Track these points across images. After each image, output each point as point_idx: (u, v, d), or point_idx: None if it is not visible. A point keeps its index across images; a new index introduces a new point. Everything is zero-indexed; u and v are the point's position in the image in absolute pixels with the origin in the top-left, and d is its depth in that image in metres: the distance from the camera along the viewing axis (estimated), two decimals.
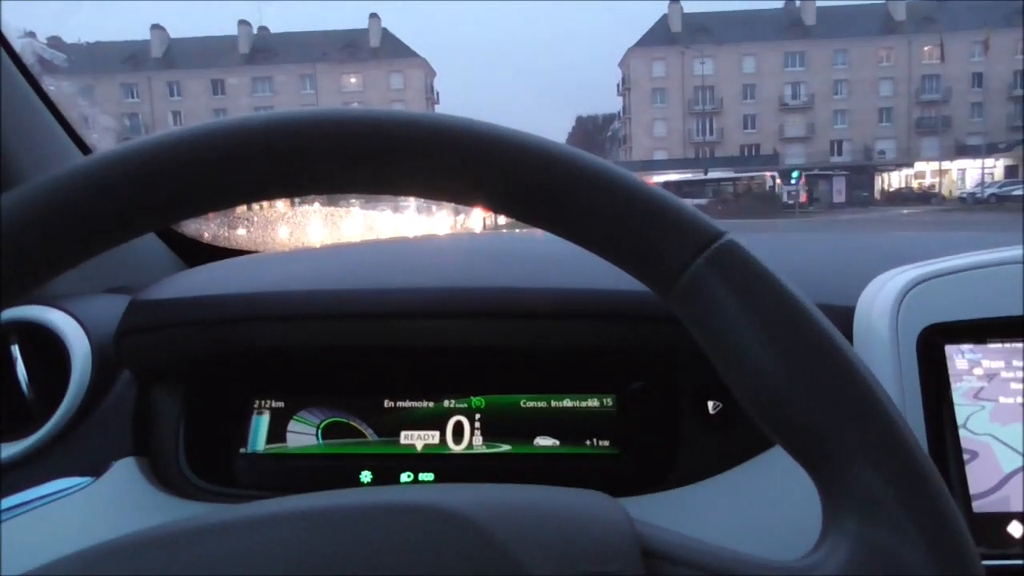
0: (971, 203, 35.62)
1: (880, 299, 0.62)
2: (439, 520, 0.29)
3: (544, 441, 0.70)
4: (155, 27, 59.62)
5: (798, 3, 58.24)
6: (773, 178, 38.46)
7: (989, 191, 37.08)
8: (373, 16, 60.72)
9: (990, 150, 48.51)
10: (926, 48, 54.58)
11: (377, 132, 0.32)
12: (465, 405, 0.71)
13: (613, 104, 67.36)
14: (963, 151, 51.81)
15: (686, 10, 58.86)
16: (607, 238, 0.34)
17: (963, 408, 0.58)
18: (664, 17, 58.89)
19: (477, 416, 0.71)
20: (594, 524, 0.30)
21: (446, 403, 0.71)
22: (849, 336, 0.62)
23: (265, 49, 59.26)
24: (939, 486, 0.31)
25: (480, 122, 0.34)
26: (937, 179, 51.09)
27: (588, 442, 0.70)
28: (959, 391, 0.59)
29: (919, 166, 52.38)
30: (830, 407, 0.32)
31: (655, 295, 0.35)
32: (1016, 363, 0.60)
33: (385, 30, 60.71)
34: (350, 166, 0.33)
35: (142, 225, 0.32)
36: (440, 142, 0.33)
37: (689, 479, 0.64)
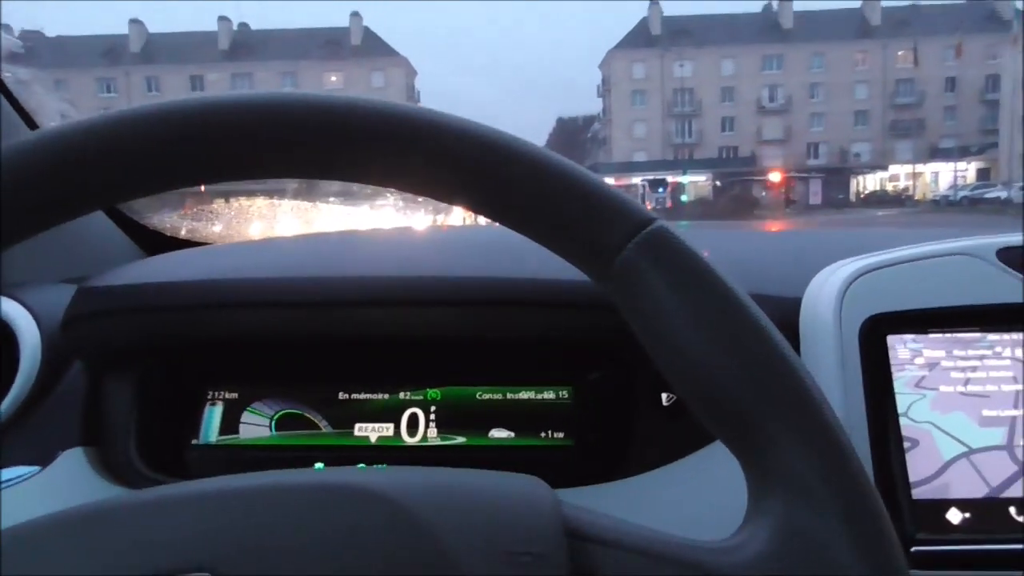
0: (944, 205, 36.18)
1: (825, 290, 0.63)
2: (359, 499, 0.29)
3: (499, 433, 0.70)
4: (134, 21, 59.01)
5: (775, 7, 58.81)
6: (643, 185, 42.38)
7: (961, 194, 37.66)
8: (355, 15, 60.49)
9: (963, 153, 49.31)
10: (900, 52, 55.29)
11: (320, 116, 0.32)
12: (421, 397, 0.71)
13: (594, 105, 67.68)
14: (936, 154, 52.59)
15: (665, 12, 59.24)
16: (542, 224, 0.35)
17: (904, 397, 0.59)
18: (644, 19, 59.20)
19: (432, 408, 0.71)
20: (519, 505, 0.30)
21: (401, 395, 0.72)
22: (796, 327, 0.63)
23: (245, 46, 58.85)
24: (859, 468, 0.32)
25: (423, 108, 0.34)
26: (911, 182, 51.83)
27: (543, 434, 0.70)
28: (901, 380, 0.60)
29: (894, 169, 53.10)
30: (754, 390, 0.32)
31: (592, 281, 0.35)
32: (956, 352, 0.61)
33: (367, 28, 60.52)
34: (289, 150, 0.33)
35: (83, 204, 0.32)
36: (383, 128, 0.33)
37: (643, 469, 0.64)
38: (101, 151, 0.31)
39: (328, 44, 58.91)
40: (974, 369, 0.60)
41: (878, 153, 54.81)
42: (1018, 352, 0.61)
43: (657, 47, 57.16)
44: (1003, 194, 33.48)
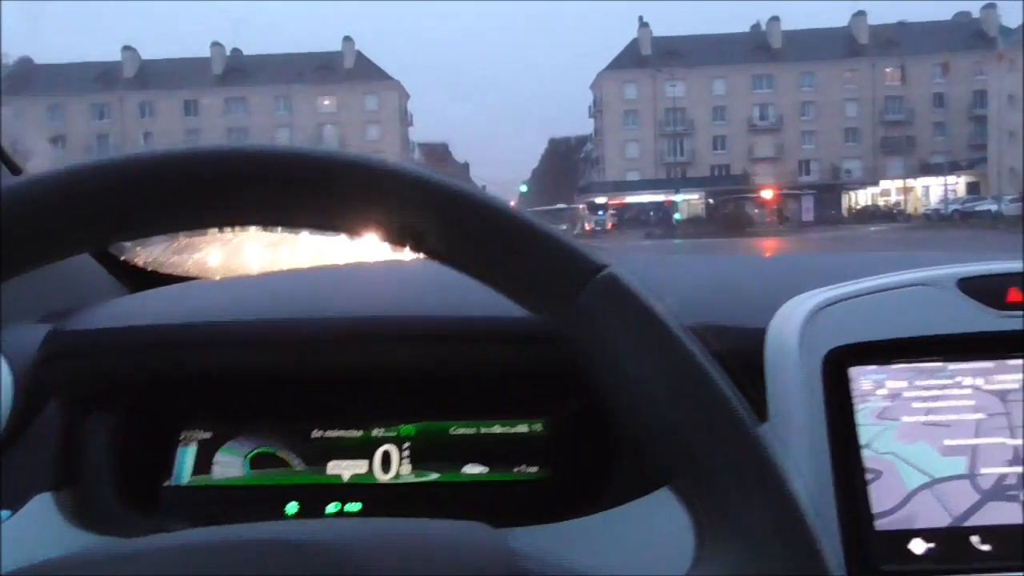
0: (936, 219, 36.44)
1: (789, 322, 0.63)
2: (308, 555, 0.30)
3: (473, 469, 0.70)
4: (126, 48, 59.36)
5: (763, 27, 59.46)
6: (586, 209, 45.67)
7: (952, 208, 38.00)
8: (347, 39, 60.97)
9: (952, 168, 49.66)
10: (889, 70, 55.88)
11: (292, 167, 0.34)
12: (394, 433, 0.71)
13: (586, 126, 68.10)
14: (927, 169, 52.99)
15: (655, 34, 59.85)
16: (501, 273, 0.37)
17: (868, 428, 0.60)
18: (634, 40, 59.78)
19: (406, 444, 0.71)
20: (468, 556, 0.31)
21: (375, 432, 0.72)
22: (761, 358, 0.64)
23: (239, 70, 59.18)
24: (797, 508, 0.33)
25: (387, 160, 0.35)
26: (902, 197, 52.17)
27: (518, 468, 0.70)
28: (864, 412, 0.60)
29: (884, 184, 53.48)
30: (696, 431, 0.33)
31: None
32: (918, 383, 0.61)
33: (359, 53, 60.95)
34: (259, 200, 0.34)
35: (50, 252, 0.33)
36: (359, 180, 0.34)
37: (618, 502, 0.63)
38: (83, 196, 0.32)
39: (321, 68, 59.29)
40: (936, 399, 0.61)
41: (869, 169, 55.19)
42: (979, 381, 0.61)
43: (648, 67, 57.65)
44: (993, 207, 33.75)
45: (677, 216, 44.13)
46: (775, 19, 59.12)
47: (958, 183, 49.82)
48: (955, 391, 0.61)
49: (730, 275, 0.89)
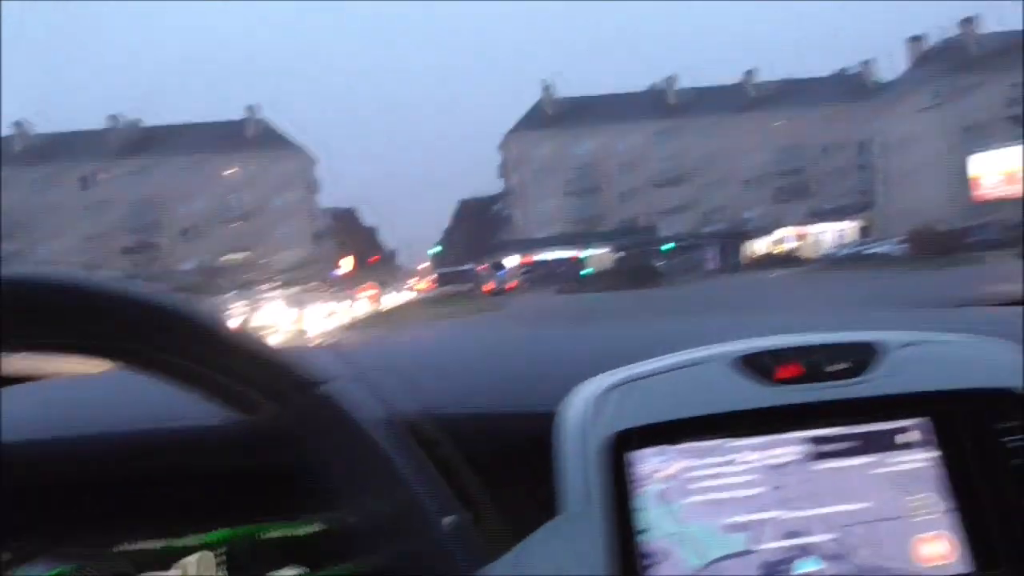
0: (829, 263, 37.77)
1: (575, 407, 0.64)
2: None
3: (289, 572, 0.67)
4: (16, 123, 57.22)
5: (661, 86, 61.80)
6: (489, 268, 46.21)
7: (844, 252, 39.56)
8: (249, 107, 60.39)
9: (844, 213, 52.02)
10: (781, 123, 58.65)
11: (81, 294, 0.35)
12: (203, 541, 0.67)
13: (495, 186, 68.86)
14: (820, 216, 55.34)
15: (558, 94, 61.39)
16: (222, 387, 0.38)
17: (650, 511, 0.60)
18: (539, 102, 61.15)
19: (218, 552, 0.67)
20: None
21: (184, 540, 0.68)
22: (550, 442, 0.63)
23: (138, 141, 57.61)
24: None
25: (133, 287, 0.37)
26: (799, 243, 54.18)
27: (335, 565, 0.66)
28: (645, 495, 0.60)
29: (783, 231, 55.48)
30: (392, 540, 0.34)
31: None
32: (700, 462, 0.62)
33: (263, 121, 60.34)
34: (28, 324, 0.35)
35: None
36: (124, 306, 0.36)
37: None
38: None
39: (224, 137, 58.29)
40: (716, 476, 0.62)
41: (767, 217, 57.23)
42: (756, 456, 0.63)
43: (553, 127, 58.93)
44: (880, 249, 35.22)
45: (586, 271, 44.56)
46: (671, 78, 61.57)
47: (850, 228, 52.11)
48: (733, 467, 0.62)
49: (535, 354, 0.90)
